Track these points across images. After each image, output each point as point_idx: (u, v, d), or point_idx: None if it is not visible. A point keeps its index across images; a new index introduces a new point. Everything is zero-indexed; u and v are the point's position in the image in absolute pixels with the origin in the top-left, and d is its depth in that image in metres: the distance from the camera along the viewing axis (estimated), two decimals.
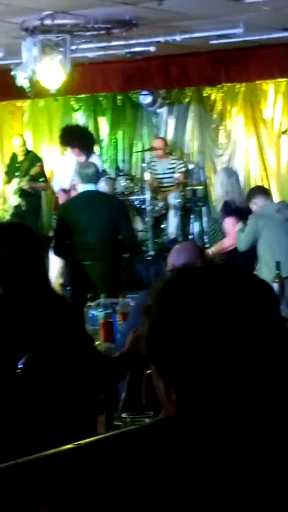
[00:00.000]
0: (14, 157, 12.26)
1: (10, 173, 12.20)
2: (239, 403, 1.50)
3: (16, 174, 11.92)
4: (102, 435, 1.60)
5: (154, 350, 1.56)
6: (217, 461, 1.45)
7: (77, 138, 9.63)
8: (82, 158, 9.49)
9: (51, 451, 1.50)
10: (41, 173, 11.65)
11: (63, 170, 9.96)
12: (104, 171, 11.09)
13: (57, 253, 7.86)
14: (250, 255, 7.72)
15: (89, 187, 7.70)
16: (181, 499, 1.42)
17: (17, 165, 12.05)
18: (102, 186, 10.66)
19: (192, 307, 1.53)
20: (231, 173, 8.29)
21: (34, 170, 11.56)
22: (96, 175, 7.85)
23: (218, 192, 8.08)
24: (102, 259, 7.49)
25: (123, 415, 2.95)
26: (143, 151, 12.70)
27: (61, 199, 9.60)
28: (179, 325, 1.52)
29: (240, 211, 7.87)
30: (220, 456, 1.46)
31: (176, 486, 1.43)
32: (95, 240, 7.48)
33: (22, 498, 1.45)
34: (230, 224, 7.83)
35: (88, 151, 9.70)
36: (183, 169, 11.76)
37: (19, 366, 3.55)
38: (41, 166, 11.76)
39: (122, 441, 1.54)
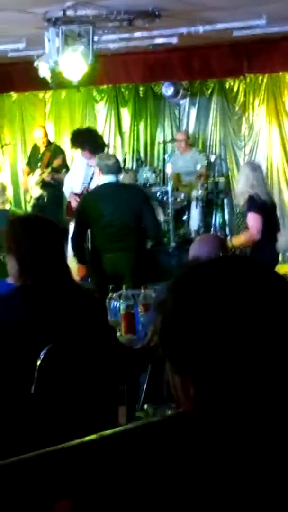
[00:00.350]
0: (36, 148, 12.28)
1: (32, 165, 12.22)
2: (258, 398, 1.49)
3: (38, 165, 11.94)
4: (126, 426, 1.59)
5: (169, 345, 1.55)
6: (238, 457, 1.45)
7: (87, 140, 9.52)
8: (92, 161, 9.40)
9: (75, 441, 1.50)
10: (63, 165, 11.64)
11: (73, 174, 9.82)
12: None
13: (76, 248, 7.69)
14: (273, 251, 7.71)
15: (110, 178, 7.61)
16: (199, 493, 1.42)
17: (39, 156, 12.06)
18: (124, 177, 10.67)
19: (206, 300, 1.51)
20: (255, 167, 8.24)
21: (56, 162, 11.57)
22: (116, 166, 7.75)
23: (242, 186, 8.03)
24: (128, 250, 7.42)
25: (145, 406, 2.96)
26: (165, 142, 12.68)
27: (74, 203, 9.46)
28: (194, 320, 1.51)
29: (264, 206, 7.84)
30: (242, 452, 1.46)
31: (195, 480, 1.43)
32: (120, 231, 7.42)
33: (46, 489, 1.45)
34: (252, 220, 7.80)
35: (99, 153, 9.55)
36: (206, 162, 11.73)
37: (41, 357, 3.56)
38: (63, 158, 11.76)
39: (145, 433, 1.54)
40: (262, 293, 1.53)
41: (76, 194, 9.46)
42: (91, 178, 9.27)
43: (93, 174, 9.28)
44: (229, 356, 1.49)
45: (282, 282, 1.57)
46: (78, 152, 10.16)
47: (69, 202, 9.63)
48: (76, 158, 10.00)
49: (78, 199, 9.28)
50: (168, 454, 1.47)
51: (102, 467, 1.49)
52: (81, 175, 9.57)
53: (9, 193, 12.07)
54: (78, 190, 9.50)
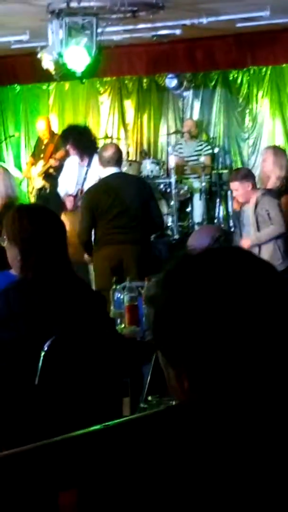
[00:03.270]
0: (39, 139, 12.29)
1: (35, 156, 12.23)
2: (252, 390, 1.50)
3: (41, 156, 11.95)
4: (129, 417, 1.60)
5: (162, 339, 1.55)
6: (233, 449, 1.46)
7: (73, 137, 9.40)
8: (85, 161, 9.26)
9: (80, 432, 1.51)
10: (66, 157, 11.63)
11: (67, 176, 9.70)
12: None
13: (85, 243, 7.62)
14: None
15: (112, 170, 7.53)
16: (196, 484, 1.43)
17: (42, 147, 12.06)
18: (127, 169, 10.65)
19: (198, 293, 1.51)
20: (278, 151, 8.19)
21: (59, 154, 11.56)
22: (115, 157, 7.54)
23: (268, 168, 7.95)
24: (135, 242, 7.33)
25: (149, 397, 2.96)
26: (168, 134, 12.67)
27: (69, 204, 9.36)
28: (187, 312, 1.51)
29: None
30: (236, 444, 1.46)
31: (192, 471, 1.44)
32: (127, 223, 7.31)
33: (51, 479, 1.46)
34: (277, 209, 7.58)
35: (83, 151, 9.35)
36: (210, 152, 11.73)
37: (45, 349, 3.57)
38: (66, 150, 11.73)
39: (149, 423, 1.54)
40: (254, 284, 1.52)
41: (70, 195, 9.37)
42: (85, 179, 9.17)
43: (86, 174, 9.20)
44: (223, 348, 1.48)
45: (274, 273, 1.57)
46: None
47: (64, 203, 9.50)
48: (68, 159, 9.87)
49: (73, 201, 9.23)
50: (168, 445, 1.47)
51: (106, 457, 1.50)
52: (74, 176, 9.44)
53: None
54: (72, 191, 9.40)
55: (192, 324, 1.50)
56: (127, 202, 7.31)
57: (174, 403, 2.72)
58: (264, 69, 12.19)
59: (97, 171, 8.76)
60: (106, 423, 1.49)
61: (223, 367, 1.48)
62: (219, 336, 1.48)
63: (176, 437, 1.47)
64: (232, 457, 1.44)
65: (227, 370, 1.48)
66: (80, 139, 9.24)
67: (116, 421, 1.53)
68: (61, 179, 9.80)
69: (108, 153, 7.54)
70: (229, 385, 1.49)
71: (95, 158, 9.27)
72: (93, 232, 7.54)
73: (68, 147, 9.36)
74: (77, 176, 9.34)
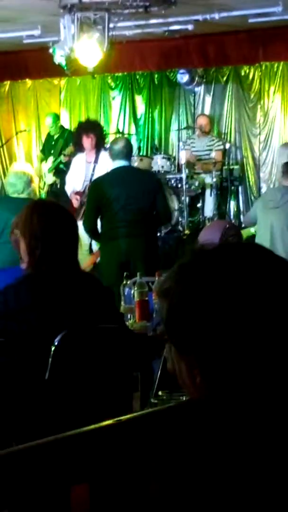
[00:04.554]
0: (49, 135, 12.29)
1: (45, 151, 12.24)
2: (265, 385, 1.49)
3: (52, 152, 11.95)
4: (142, 412, 1.60)
5: (175, 332, 1.55)
6: (245, 445, 1.45)
7: (98, 132, 9.46)
8: (91, 155, 9.33)
9: (91, 426, 1.51)
10: (75, 152, 11.63)
11: (74, 173, 9.71)
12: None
13: (90, 231, 7.65)
14: None
15: (121, 163, 7.49)
16: (211, 482, 1.43)
17: (52, 143, 12.07)
18: (138, 164, 10.64)
19: (213, 287, 1.51)
20: None
21: (68, 150, 11.56)
22: (125, 150, 7.50)
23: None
24: (141, 236, 7.31)
25: (160, 392, 2.96)
26: (180, 129, 12.66)
27: (75, 202, 9.38)
28: (201, 306, 1.51)
29: None
30: (248, 440, 1.46)
31: (207, 469, 1.44)
32: (134, 216, 7.26)
33: (63, 473, 1.46)
34: None
35: (100, 147, 9.42)
36: (221, 148, 11.71)
37: (55, 344, 3.57)
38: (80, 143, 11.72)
39: (161, 418, 1.54)
40: (269, 280, 1.52)
41: (77, 193, 9.39)
42: (92, 175, 9.18)
43: (93, 170, 9.22)
44: (236, 343, 1.48)
45: (286, 266, 1.57)
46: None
47: (71, 201, 9.51)
48: (75, 157, 9.89)
49: (79, 198, 9.24)
50: (181, 440, 1.47)
51: (119, 452, 1.50)
52: (82, 173, 9.46)
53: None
54: (80, 188, 9.41)
55: (206, 318, 1.50)
56: (132, 195, 7.28)
57: (184, 398, 2.73)
58: (276, 65, 12.15)
59: (105, 167, 8.80)
60: (119, 418, 1.49)
61: (236, 362, 1.48)
62: (233, 330, 1.48)
63: (190, 433, 1.47)
64: (243, 453, 1.44)
65: (240, 365, 1.48)
66: (102, 135, 9.33)
67: (129, 415, 1.53)
68: (69, 177, 9.82)
69: (118, 146, 7.54)
70: (242, 380, 1.49)
71: (102, 154, 9.32)
72: (99, 226, 7.56)
73: (86, 137, 9.39)
74: (85, 174, 9.37)
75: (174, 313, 1.54)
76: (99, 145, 9.38)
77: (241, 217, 11.28)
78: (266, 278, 1.52)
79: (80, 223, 7.70)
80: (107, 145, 9.36)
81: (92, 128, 9.51)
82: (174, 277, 1.56)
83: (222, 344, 1.49)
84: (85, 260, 8.12)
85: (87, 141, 9.42)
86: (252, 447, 1.45)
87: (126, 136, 11.84)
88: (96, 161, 9.30)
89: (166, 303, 1.56)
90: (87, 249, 9.00)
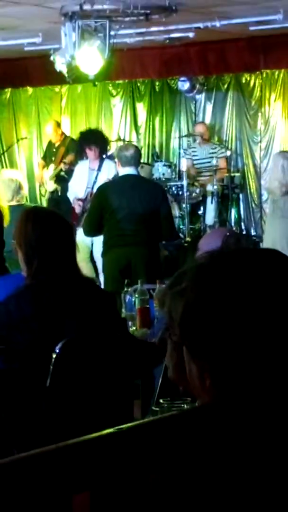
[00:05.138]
0: (50, 142, 12.30)
1: (46, 159, 12.24)
2: (276, 392, 1.49)
3: (53, 159, 11.96)
4: (143, 420, 1.60)
5: (189, 333, 1.54)
6: (255, 451, 1.45)
7: (98, 141, 9.48)
8: (95, 163, 9.36)
9: (93, 435, 1.51)
10: (76, 161, 11.63)
11: (77, 180, 9.71)
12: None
13: (89, 236, 7.67)
14: None
15: (129, 170, 7.48)
16: (219, 489, 1.42)
17: (53, 150, 12.08)
18: (139, 172, 10.64)
19: (230, 291, 1.50)
20: None
21: (68, 158, 11.56)
22: (135, 158, 7.52)
23: (277, 176, 7.92)
24: (143, 244, 7.31)
25: (161, 400, 2.95)
26: (181, 137, 12.67)
27: (78, 208, 9.38)
28: (216, 309, 1.50)
29: None
30: (261, 445, 1.45)
31: (215, 475, 1.43)
32: (137, 225, 7.26)
33: (65, 481, 1.46)
34: None
35: (102, 156, 9.46)
36: (225, 154, 11.71)
37: (57, 351, 3.57)
38: (76, 154, 11.73)
39: (163, 427, 1.54)
40: (284, 283, 1.52)
41: (79, 200, 9.39)
42: (95, 182, 9.19)
43: (96, 178, 9.23)
44: (249, 347, 1.48)
45: None
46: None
47: (73, 208, 9.51)
48: (78, 165, 9.89)
49: (82, 204, 9.24)
50: (185, 448, 1.47)
51: (120, 460, 1.50)
52: (84, 180, 9.45)
53: (25, 187, 12.06)
54: (82, 195, 9.41)
55: (221, 320, 1.49)
56: (135, 204, 7.29)
57: (186, 406, 2.72)
58: (276, 73, 12.16)
59: (107, 175, 8.81)
60: (120, 426, 1.49)
61: (249, 369, 1.48)
62: (248, 335, 1.48)
63: (194, 441, 1.47)
64: (253, 460, 1.44)
65: (252, 369, 1.47)
66: (104, 145, 9.34)
67: (130, 424, 1.52)
68: (71, 184, 9.82)
69: (130, 152, 7.52)
70: (253, 387, 1.48)
71: (105, 162, 9.33)
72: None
73: (88, 150, 9.38)
74: (87, 180, 9.37)
75: (190, 312, 1.53)
76: (102, 154, 9.40)
77: (242, 224, 11.28)
78: (286, 285, 1.52)
79: (81, 230, 7.77)
80: (111, 152, 9.39)
81: (93, 141, 9.48)
82: (192, 277, 1.55)
83: (236, 349, 1.48)
84: (85, 267, 8.10)
85: (91, 153, 9.43)
86: (260, 455, 1.44)
87: (127, 143, 11.87)
88: (99, 169, 9.31)
89: (182, 303, 1.54)
90: (87, 256, 9.00)
